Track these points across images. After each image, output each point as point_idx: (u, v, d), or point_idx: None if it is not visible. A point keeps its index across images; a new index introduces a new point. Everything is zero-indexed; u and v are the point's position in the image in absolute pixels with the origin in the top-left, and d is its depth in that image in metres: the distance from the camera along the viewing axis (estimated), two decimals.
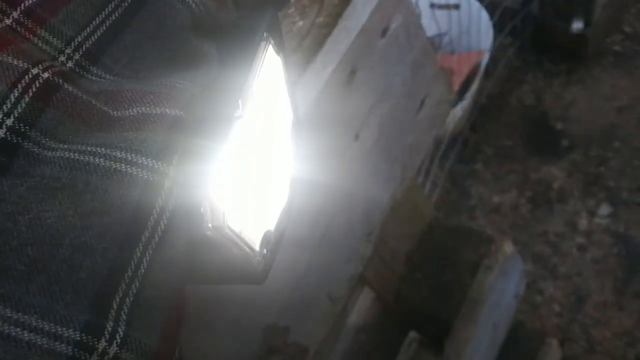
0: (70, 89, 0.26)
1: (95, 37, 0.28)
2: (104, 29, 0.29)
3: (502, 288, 1.01)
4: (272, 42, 0.36)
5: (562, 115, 1.67)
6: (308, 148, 0.50)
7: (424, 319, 0.98)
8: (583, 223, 1.54)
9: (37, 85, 0.25)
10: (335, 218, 0.61)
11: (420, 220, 0.94)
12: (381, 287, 0.88)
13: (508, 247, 0.97)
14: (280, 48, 0.38)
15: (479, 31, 1.50)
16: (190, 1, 0.31)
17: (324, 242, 0.59)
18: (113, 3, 0.29)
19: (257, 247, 0.32)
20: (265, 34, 0.35)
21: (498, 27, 1.56)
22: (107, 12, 0.29)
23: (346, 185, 0.61)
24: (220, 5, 0.34)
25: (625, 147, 1.59)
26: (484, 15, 1.48)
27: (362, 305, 0.88)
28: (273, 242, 0.34)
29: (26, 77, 0.24)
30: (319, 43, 0.57)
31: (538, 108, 1.70)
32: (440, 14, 1.44)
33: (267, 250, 0.33)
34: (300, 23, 0.58)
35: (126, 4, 0.30)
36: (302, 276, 0.57)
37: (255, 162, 0.33)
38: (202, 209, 0.27)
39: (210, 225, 0.27)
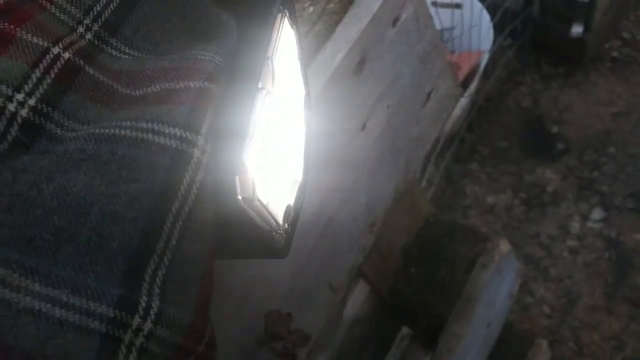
0: (92, 71, 0.25)
1: (114, 5, 0.28)
2: None
3: (497, 286, 1.01)
4: (287, 14, 0.35)
5: (558, 119, 1.68)
6: (317, 133, 0.49)
7: (417, 314, 0.98)
8: (575, 226, 1.55)
9: (59, 66, 0.24)
10: (339, 207, 0.60)
11: (418, 216, 0.94)
12: (376, 280, 0.88)
13: (504, 246, 0.97)
14: (294, 21, 0.37)
15: (480, 32, 1.50)
16: None
17: (327, 231, 0.59)
18: None
19: (280, 221, 0.32)
20: (281, 6, 0.34)
21: (498, 29, 1.56)
22: None
23: (351, 174, 0.61)
24: None
25: (619, 153, 1.60)
26: (485, 16, 1.49)
27: (357, 299, 0.88)
28: (293, 216, 0.34)
29: (47, 56, 0.24)
30: (330, 29, 0.56)
31: (535, 110, 1.71)
32: (443, 12, 1.44)
33: (288, 225, 0.33)
34: (311, 9, 0.58)
35: None
36: (304, 264, 0.57)
37: (276, 135, 0.33)
38: (232, 181, 0.26)
39: (240, 197, 0.27)
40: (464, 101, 1.48)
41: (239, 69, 0.29)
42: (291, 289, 0.55)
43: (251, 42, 0.31)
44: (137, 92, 0.26)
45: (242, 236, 0.30)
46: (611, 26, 1.70)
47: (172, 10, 0.29)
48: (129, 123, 0.24)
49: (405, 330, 1.02)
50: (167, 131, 0.24)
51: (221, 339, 0.42)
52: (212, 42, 0.30)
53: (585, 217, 1.56)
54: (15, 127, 0.22)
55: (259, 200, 0.29)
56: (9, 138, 0.22)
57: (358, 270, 0.73)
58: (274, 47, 0.32)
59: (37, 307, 0.20)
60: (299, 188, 0.37)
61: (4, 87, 0.23)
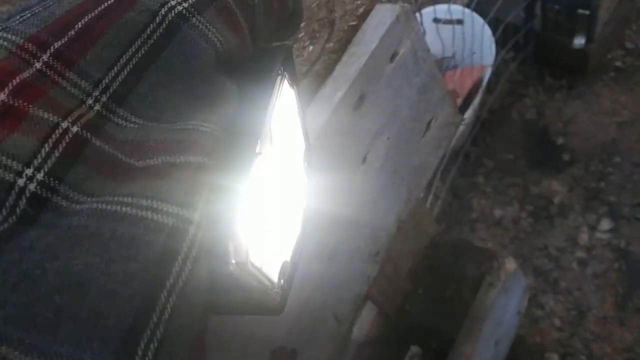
0: (98, 143, 0.26)
1: (122, 77, 0.29)
2: (130, 67, 0.29)
3: (504, 305, 1.01)
4: (286, 76, 0.37)
5: (562, 130, 1.68)
6: (318, 172, 0.50)
7: (426, 334, 0.99)
8: (584, 238, 1.54)
9: (67, 140, 0.25)
10: (342, 239, 0.61)
11: (423, 237, 0.94)
12: (384, 302, 0.89)
13: (510, 265, 0.98)
14: (293, 81, 0.38)
15: (482, 47, 1.51)
16: (215, 39, 0.32)
17: (331, 264, 0.60)
18: (139, 41, 0.30)
19: (275, 279, 0.33)
20: (281, 69, 0.35)
21: (500, 42, 1.57)
22: (133, 50, 0.29)
23: (354, 207, 0.62)
24: (241, 42, 0.34)
25: (625, 163, 1.60)
26: (487, 31, 1.49)
27: (365, 321, 0.89)
28: (289, 273, 0.35)
29: (56, 131, 0.25)
30: (329, 68, 0.58)
31: (539, 122, 1.72)
32: (444, 29, 1.45)
33: (284, 281, 0.34)
34: (311, 48, 0.59)
35: (152, 41, 0.30)
36: (309, 298, 0.58)
37: (272, 194, 0.34)
38: (226, 247, 0.27)
39: (234, 261, 0.28)
40: (467, 116, 1.49)
41: (238, 137, 0.31)
42: (296, 323, 0.56)
43: (251, 108, 0.32)
44: (139, 162, 0.27)
45: (237, 297, 0.31)
46: (613, 37, 1.71)
47: (178, 79, 0.30)
48: (130, 200, 0.25)
49: (414, 349, 1.03)
50: (165, 209, 0.25)
51: None
52: (214, 111, 0.31)
53: (593, 228, 1.56)
54: (24, 200, 0.24)
55: (252, 265, 0.30)
56: (18, 211, 0.24)
57: (365, 293, 0.73)
58: (272, 110, 0.33)
59: None
60: (297, 242, 0.38)
61: (15, 163, 0.24)
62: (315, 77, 0.57)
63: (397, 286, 0.92)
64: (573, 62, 1.68)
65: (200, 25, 0.31)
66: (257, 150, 0.31)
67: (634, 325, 1.41)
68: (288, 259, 0.35)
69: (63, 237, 0.24)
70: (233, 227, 0.28)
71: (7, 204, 0.24)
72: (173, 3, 0.31)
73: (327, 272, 0.60)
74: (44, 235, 0.24)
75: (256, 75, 0.34)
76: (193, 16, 0.31)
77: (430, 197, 1.47)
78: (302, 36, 0.61)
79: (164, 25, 0.30)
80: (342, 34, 0.58)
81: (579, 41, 1.57)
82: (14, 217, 0.24)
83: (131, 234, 0.24)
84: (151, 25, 0.30)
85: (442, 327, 0.97)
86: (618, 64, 1.73)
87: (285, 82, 0.36)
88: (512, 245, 1.57)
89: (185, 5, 0.31)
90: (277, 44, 0.42)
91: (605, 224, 1.55)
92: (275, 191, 0.34)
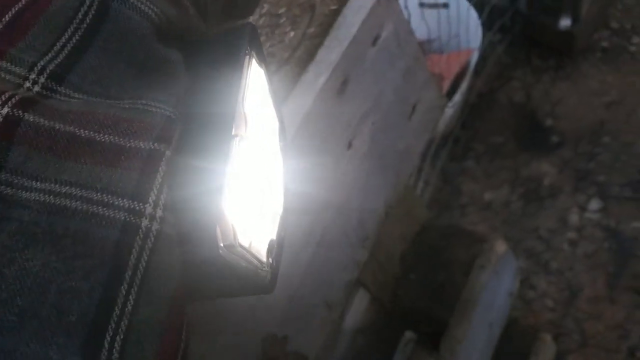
0: (32, 118, 0.25)
1: (59, 59, 0.28)
2: (67, 51, 0.29)
3: (496, 287, 1.02)
4: (254, 55, 0.36)
5: (551, 112, 1.69)
6: (302, 158, 0.50)
7: (419, 319, 0.99)
8: (574, 218, 1.55)
9: None
10: (330, 226, 0.61)
11: (413, 222, 0.95)
12: (376, 288, 0.89)
13: (500, 247, 0.98)
14: (261, 59, 0.38)
15: (468, 30, 1.50)
16: (150, 11, 0.31)
17: (319, 250, 0.60)
18: (72, 26, 0.29)
19: (263, 258, 0.33)
20: (248, 48, 0.35)
21: (487, 25, 1.57)
22: (67, 36, 0.29)
23: (341, 193, 0.62)
24: (182, 12, 0.33)
25: (614, 143, 1.61)
26: (473, 14, 1.49)
27: (358, 308, 0.89)
28: (276, 251, 0.35)
29: None
30: (311, 53, 0.57)
31: (527, 105, 1.72)
32: (429, 13, 1.44)
33: (272, 260, 0.34)
34: (292, 34, 0.59)
35: (85, 25, 0.30)
36: (299, 285, 0.58)
37: (252, 175, 0.34)
38: (212, 230, 0.27)
39: (222, 244, 0.28)
40: (455, 100, 1.49)
41: (210, 119, 0.30)
42: (287, 310, 0.56)
43: (220, 91, 0.32)
44: (82, 131, 0.26)
45: (226, 279, 0.31)
46: (599, 17, 1.71)
47: (119, 57, 0.30)
48: (79, 192, 0.25)
49: (408, 334, 1.03)
50: (116, 203, 0.25)
51: None
52: (164, 89, 0.30)
53: (583, 209, 1.57)
54: None
55: (241, 246, 0.30)
56: None
57: (357, 280, 0.74)
58: (244, 91, 0.33)
59: None
60: (281, 220, 0.38)
61: None
62: (297, 63, 0.57)
63: (389, 272, 0.92)
64: (560, 43, 1.68)
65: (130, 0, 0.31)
66: (233, 132, 0.31)
67: (624, 303, 1.43)
68: (274, 237, 0.35)
69: (16, 236, 0.23)
70: (217, 211, 0.28)
71: None
72: None
73: (316, 259, 0.60)
74: None
75: (222, 57, 0.34)
76: None
77: (421, 183, 1.48)
78: (283, 22, 0.60)
79: (94, 7, 0.30)
80: (323, 18, 0.58)
81: (565, 22, 1.57)
82: None
83: (84, 231, 0.24)
84: (81, 9, 0.30)
85: (434, 312, 0.98)
86: (604, 44, 1.73)
87: (254, 61, 0.36)
88: (503, 228, 1.57)
89: None
90: (240, 22, 0.42)
91: (595, 204, 1.56)
92: (254, 172, 0.34)
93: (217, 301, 0.46)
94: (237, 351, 0.49)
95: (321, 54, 0.57)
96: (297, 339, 0.57)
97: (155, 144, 0.27)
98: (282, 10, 0.61)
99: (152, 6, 0.31)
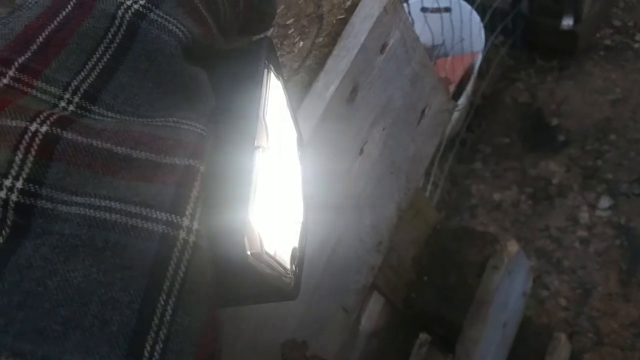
0: (70, 136, 0.26)
1: (91, 79, 0.29)
2: (98, 70, 0.30)
3: (509, 287, 1.02)
4: (272, 68, 0.37)
5: (556, 111, 1.69)
6: (315, 165, 0.51)
7: (433, 321, 1.00)
8: (584, 216, 1.56)
9: (38, 142, 0.25)
10: (344, 232, 0.62)
11: (424, 225, 0.95)
12: (390, 292, 0.90)
13: (512, 247, 0.98)
14: (279, 72, 0.39)
15: (471, 33, 1.52)
16: (177, 30, 0.32)
17: (334, 255, 0.61)
18: (102, 46, 0.30)
19: (287, 265, 0.34)
20: (266, 62, 0.36)
21: (489, 28, 1.58)
22: (98, 55, 0.30)
23: (354, 199, 0.62)
24: (206, 31, 0.34)
25: (621, 140, 1.61)
26: (475, 17, 1.50)
27: (373, 311, 0.90)
28: (299, 258, 0.36)
29: (25, 136, 0.25)
30: (320, 62, 0.58)
31: (532, 105, 1.72)
32: (432, 18, 1.46)
33: (295, 267, 0.35)
34: (301, 43, 0.60)
35: (115, 45, 0.30)
36: (315, 291, 0.59)
37: (275, 184, 0.35)
38: (239, 240, 0.28)
39: (249, 253, 0.29)
40: (461, 103, 1.50)
41: (234, 132, 0.31)
42: (305, 316, 0.57)
43: (242, 105, 0.33)
44: (118, 148, 0.27)
45: (254, 286, 0.32)
46: (601, 15, 1.71)
47: (148, 75, 0.31)
48: (118, 205, 0.26)
49: (423, 336, 1.04)
50: (154, 216, 0.26)
51: None
52: (193, 107, 0.31)
53: (593, 207, 1.57)
54: (11, 212, 0.24)
55: (267, 254, 0.31)
56: (8, 223, 0.24)
57: (371, 284, 0.74)
58: (264, 104, 0.34)
59: None
60: (302, 227, 0.39)
61: None
62: (307, 72, 0.58)
63: (402, 276, 0.93)
64: (562, 43, 1.69)
65: (158, 19, 0.31)
66: (255, 144, 0.32)
67: (639, 300, 1.42)
68: (296, 245, 0.36)
69: (58, 249, 0.24)
70: (244, 220, 0.29)
71: None
72: (129, 3, 0.31)
73: (331, 265, 0.61)
74: (39, 247, 0.24)
75: (242, 71, 0.35)
76: (150, 11, 0.31)
77: (429, 186, 1.48)
78: (292, 32, 0.62)
79: (124, 27, 0.31)
80: (331, 27, 0.59)
81: (567, 22, 1.57)
82: (6, 229, 0.24)
83: (123, 243, 0.25)
84: (111, 29, 0.30)
85: (448, 314, 0.98)
86: (607, 42, 1.74)
87: (272, 75, 0.37)
88: (514, 228, 1.58)
89: (142, 2, 0.31)
90: (256, 38, 0.43)
91: (605, 202, 1.56)
92: (277, 181, 0.35)
93: (234, 308, 0.47)
94: (256, 357, 0.50)
95: (330, 63, 0.58)
96: (316, 343, 0.58)
97: (190, 160, 0.28)
98: (290, 21, 0.63)
99: (180, 26, 0.32)
